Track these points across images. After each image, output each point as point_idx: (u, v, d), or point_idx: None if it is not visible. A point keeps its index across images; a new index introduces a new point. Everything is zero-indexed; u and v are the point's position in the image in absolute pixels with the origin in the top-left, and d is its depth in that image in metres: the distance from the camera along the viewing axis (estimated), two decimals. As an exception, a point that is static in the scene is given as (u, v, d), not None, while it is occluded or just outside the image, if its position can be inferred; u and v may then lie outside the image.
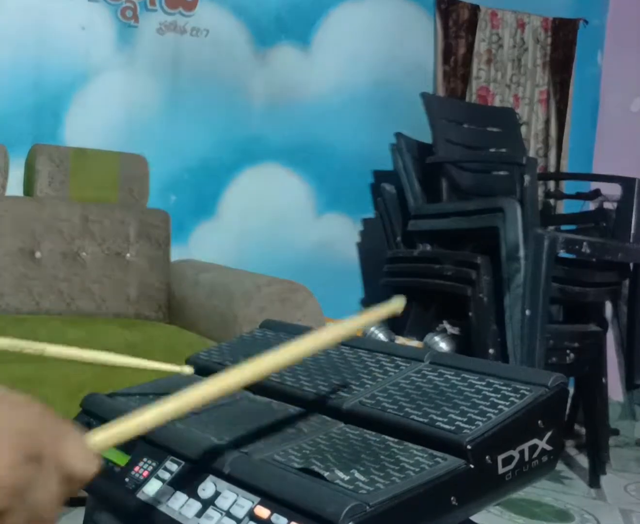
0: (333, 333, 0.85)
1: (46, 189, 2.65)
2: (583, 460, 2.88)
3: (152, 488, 0.93)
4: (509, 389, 0.94)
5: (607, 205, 3.06)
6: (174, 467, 0.93)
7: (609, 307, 2.98)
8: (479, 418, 0.89)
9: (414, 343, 2.64)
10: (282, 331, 1.27)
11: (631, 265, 2.82)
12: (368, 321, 0.97)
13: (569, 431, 3.18)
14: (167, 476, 0.93)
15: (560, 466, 2.84)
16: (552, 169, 3.51)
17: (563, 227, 3.19)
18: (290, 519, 0.78)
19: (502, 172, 3.16)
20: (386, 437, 0.92)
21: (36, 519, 0.47)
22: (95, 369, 2.00)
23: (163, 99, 2.99)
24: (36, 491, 0.46)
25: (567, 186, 3.55)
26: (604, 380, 2.77)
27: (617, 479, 2.79)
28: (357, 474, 0.82)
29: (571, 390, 3.06)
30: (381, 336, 2.65)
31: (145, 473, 0.95)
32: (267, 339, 1.26)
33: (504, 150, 3.24)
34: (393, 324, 2.81)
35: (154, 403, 1.09)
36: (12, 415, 0.46)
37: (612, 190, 3.00)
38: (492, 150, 3.24)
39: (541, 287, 2.46)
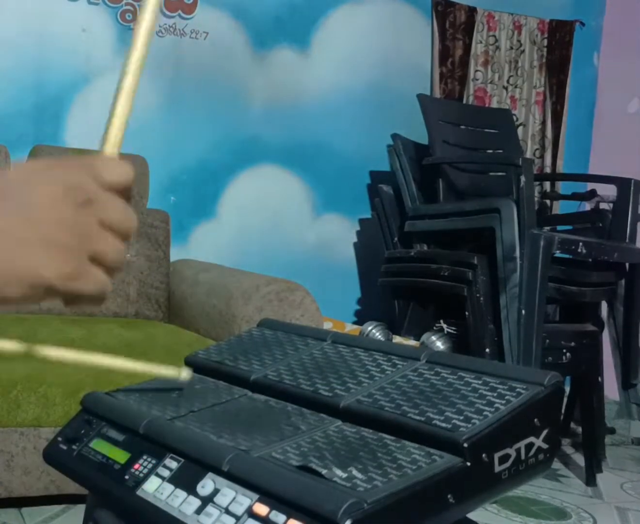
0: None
1: (45, 190, 2.66)
2: (579, 458, 2.89)
3: (151, 485, 0.93)
4: (505, 387, 0.95)
5: (603, 205, 3.08)
6: (174, 464, 0.94)
7: (605, 307, 2.99)
8: (475, 416, 0.90)
9: (411, 342, 2.65)
10: (280, 330, 1.28)
11: (627, 265, 2.83)
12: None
13: (566, 429, 3.19)
14: (166, 473, 0.93)
15: (556, 465, 2.85)
16: (548, 170, 3.52)
17: (559, 228, 3.20)
18: (288, 516, 0.78)
19: (498, 173, 3.17)
20: (383, 435, 0.92)
21: (120, 235, 0.54)
22: (95, 368, 2.01)
23: (163, 100, 3.00)
24: (106, 218, 0.53)
25: (563, 187, 3.56)
26: (600, 379, 2.79)
27: (614, 477, 2.81)
28: (354, 472, 0.82)
29: (567, 389, 3.08)
30: (378, 336, 2.66)
31: (145, 471, 0.96)
32: (265, 338, 1.27)
33: (500, 151, 3.25)
34: (391, 324, 2.82)
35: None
36: (51, 179, 0.53)
37: (608, 191, 3.01)
38: (489, 151, 3.25)
39: (537, 287, 2.47)
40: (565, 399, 3.05)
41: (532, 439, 0.92)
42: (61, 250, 0.52)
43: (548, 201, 3.51)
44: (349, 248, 3.36)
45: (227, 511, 0.83)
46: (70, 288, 0.54)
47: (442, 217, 2.84)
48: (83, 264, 0.53)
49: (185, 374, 1.12)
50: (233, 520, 0.82)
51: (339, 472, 0.82)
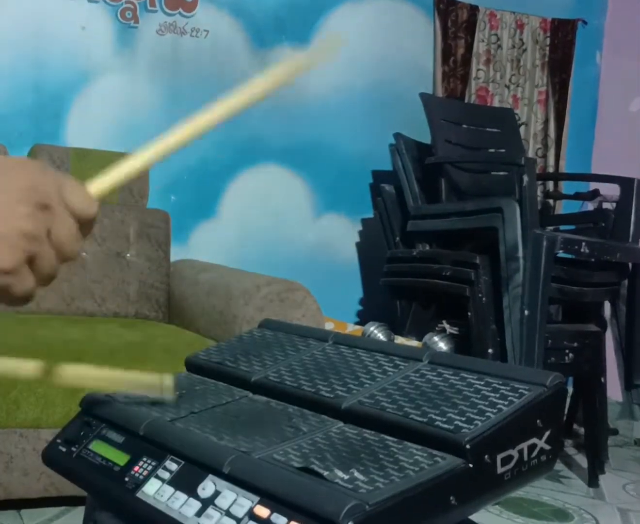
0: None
1: (46, 189, 2.65)
2: (582, 460, 2.89)
3: (151, 487, 0.93)
4: (508, 388, 0.94)
5: (606, 205, 3.07)
6: (174, 466, 0.93)
7: (607, 307, 2.98)
8: (477, 417, 0.89)
9: (413, 343, 2.64)
10: (281, 331, 1.27)
11: (630, 265, 2.82)
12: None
13: (568, 430, 3.18)
14: (166, 475, 0.93)
15: (559, 466, 2.84)
16: (551, 170, 3.52)
17: (562, 228, 3.20)
18: (290, 518, 0.78)
19: (501, 173, 3.16)
20: (385, 436, 0.92)
21: (62, 254, 0.56)
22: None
23: (163, 99, 2.99)
24: (55, 232, 0.55)
25: (565, 186, 3.56)
26: (602, 380, 2.78)
27: (616, 478, 2.80)
28: (356, 474, 0.82)
29: (570, 390, 3.07)
30: (380, 336, 2.65)
31: (145, 473, 0.95)
32: (266, 338, 1.26)
33: (503, 150, 3.24)
34: (393, 324, 2.82)
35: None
36: (15, 175, 0.54)
37: (611, 190, 3.00)
38: (491, 150, 3.24)
39: (540, 287, 2.47)
40: (567, 400, 3.05)
41: (534, 440, 0.91)
42: (3, 242, 0.53)
43: (551, 201, 3.51)
44: (350, 248, 3.36)
45: (228, 513, 0.83)
46: (0, 281, 0.54)
47: (445, 217, 2.83)
48: (20, 262, 0.54)
49: (167, 382, 1.00)
50: (234, 522, 0.81)
51: (340, 474, 0.82)
